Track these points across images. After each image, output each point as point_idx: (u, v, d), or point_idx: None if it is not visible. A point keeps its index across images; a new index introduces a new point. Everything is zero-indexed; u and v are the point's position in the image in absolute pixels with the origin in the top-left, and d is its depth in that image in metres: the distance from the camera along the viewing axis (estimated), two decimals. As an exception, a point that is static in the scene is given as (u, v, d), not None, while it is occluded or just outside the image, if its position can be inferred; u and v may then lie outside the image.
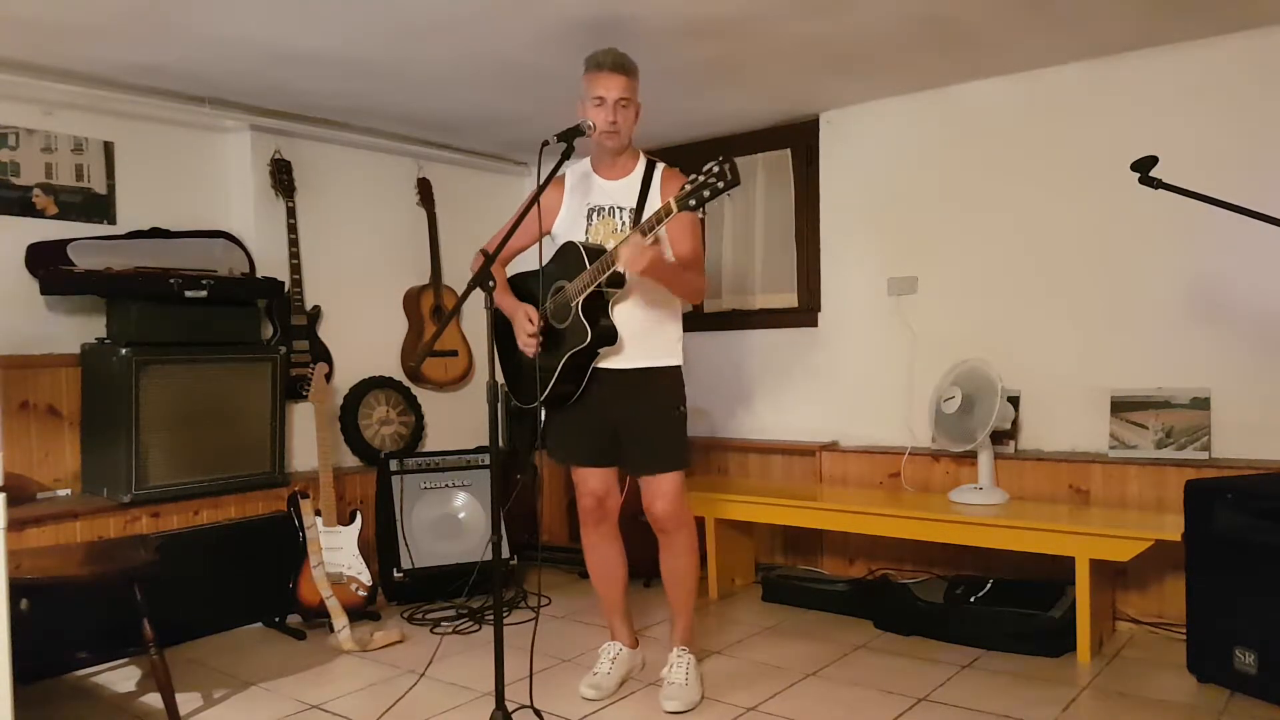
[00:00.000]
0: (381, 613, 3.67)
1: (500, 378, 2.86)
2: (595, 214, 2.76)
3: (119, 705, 2.88)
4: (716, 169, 2.26)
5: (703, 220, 2.75)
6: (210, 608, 3.48)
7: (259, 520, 3.64)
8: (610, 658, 2.92)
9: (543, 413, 2.78)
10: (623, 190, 2.75)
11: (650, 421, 2.75)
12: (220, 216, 3.98)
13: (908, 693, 2.81)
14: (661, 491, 2.76)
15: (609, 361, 2.72)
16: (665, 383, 2.77)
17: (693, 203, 2.30)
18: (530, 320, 2.68)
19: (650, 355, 2.74)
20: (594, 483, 2.85)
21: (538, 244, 2.77)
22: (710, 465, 4.42)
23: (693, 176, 2.32)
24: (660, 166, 2.76)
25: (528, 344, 2.69)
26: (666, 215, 2.37)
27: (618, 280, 2.63)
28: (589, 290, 2.59)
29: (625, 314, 2.70)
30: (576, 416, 2.80)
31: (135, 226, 3.69)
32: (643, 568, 3.45)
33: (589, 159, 2.82)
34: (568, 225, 2.81)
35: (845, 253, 4.20)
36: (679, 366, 2.81)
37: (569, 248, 2.69)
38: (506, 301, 2.79)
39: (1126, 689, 2.81)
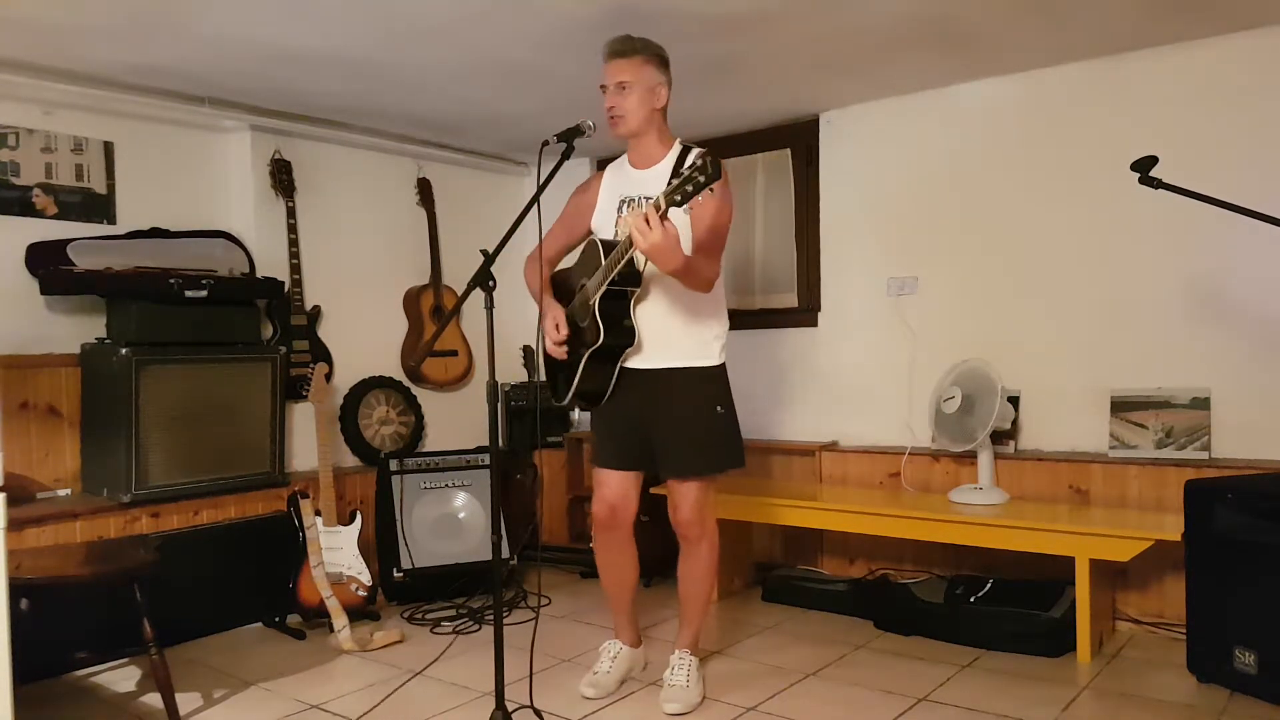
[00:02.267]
0: (381, 613, 3.67)
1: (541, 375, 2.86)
2: (625, 204, 2.73)
3: (119, 705, 2.88)
4: (699, 163, 2.21)
5: (732, 209, 2.69)
6: (210, 608, 3.48)
7: (259, 520, 3.64)
8: (611, 656, 2.92)
9: (574, 411, 2.76)
10: (653, 179, 2.68)
11: (680, 422, 2.69)
12: (220, 216, 3.98)
13: (908, 693, 2.81)
14: (686, 498, 2.72)
15: (637, 361, 2.68)
16: (698, 383, 2.70)
17: (678, 199, 2.24)
18: (556, 326, 2.67)
19: (679, 356, 2.68)
20: (609, 489, 2.79)
21: (537, 239, 2.75)
22: (710, 465, 4.42)
23: (677, 171, 2.28)
24: (695, 152, 2.67)
25: (554, 350, 2.69)
26: (657, 210, 2.30)
27: (633, 277, 2.58)
28: (604, 287, 2.55)
29: (650, 313, 2.65)
30: (610, 417, 2.77)
31: (135, 226, 3.69)
32: (644, 567, 3.44)
33: (628, 150, 2.78)
34: (602, 217, 2.79)
35: (845, 253, 4.19)
36: (716, 367, 2.74)
37: (590, 245, 2.68)
38: (545, 301, 2.77)
39: (1126, 689, 2.81)
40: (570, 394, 2.72)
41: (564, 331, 2.68)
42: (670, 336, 2.67)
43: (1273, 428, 3.21)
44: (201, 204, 3.93)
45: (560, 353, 2.69)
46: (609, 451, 2.80)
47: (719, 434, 2.73)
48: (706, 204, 2.42)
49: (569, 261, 2.87)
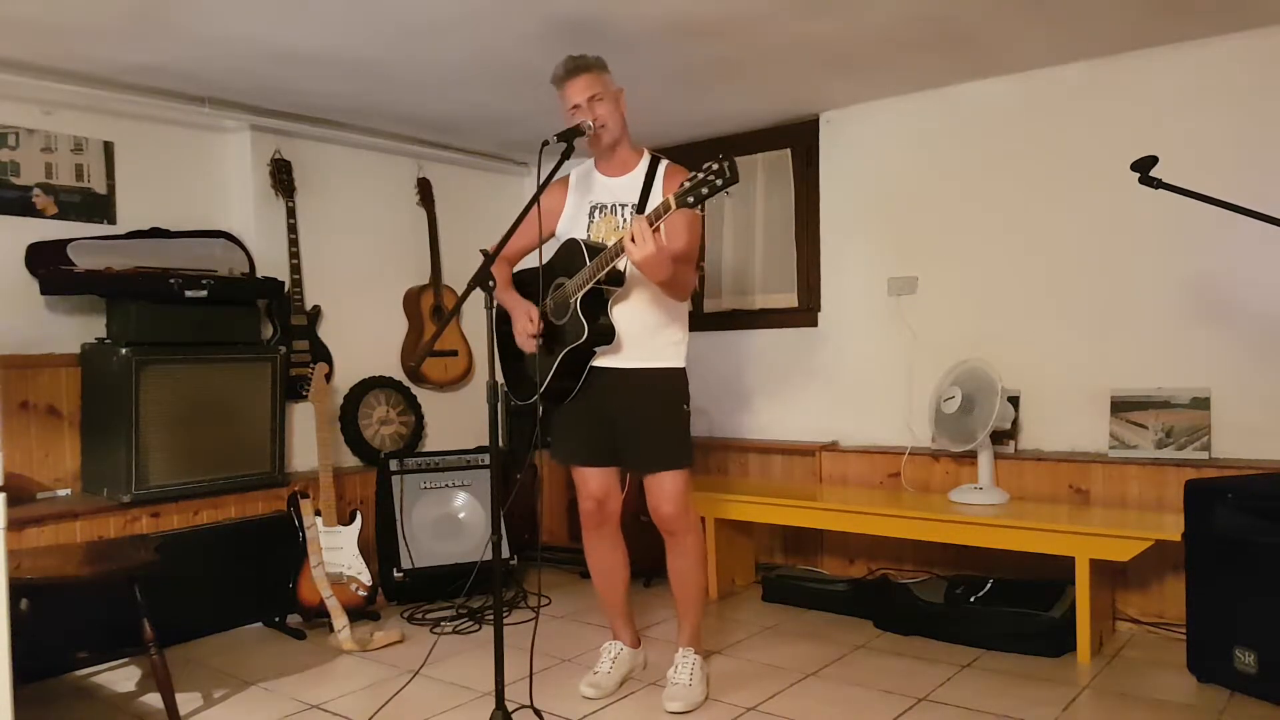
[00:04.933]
0: (381, 613, 3.67)
1: (499, 375, 2.87)
2: (598, 211, 2.76)
3: (119, 705, 2.88)
4: (715, 167, 2.24)
5: (703, 218, 2.74)
6: (210, 608, 3.48)
7: (259, 520, 3.64)
8: (611, 657, 2.92)
9: (540, 410, 2.77)
10: (625, 187, 2.74)
11: (652, 419, 2.73)
12: (220, 216, 3.98)
13: (908, 693, 2.81)
14: (666, 492, 2.74)
15: (609, 360, 2.71)
16: (667, 382, 2.76)
17: (691, 200, 2.27)
18: (531, 319, 2.68)
19: (651, 356, 2.73)
20: (593, 484, 2.84)
21: (540, 245, 2.77)
22: (710, 465, 4.42)
23: (692, 174, 2.30)
24: (664, 163, 2.75)
25: (526, 343, 2.70)
26: (665, 211, 2.35)
27: (616, 278, 2.62)
28: (588, 287, 2.58)
29: (626, 314, 2.69)
30: (577, 416, 2.80)
31: (135, 226, 3.69)
32: (643, 567, 3.45)
33: (593, 158, 2.82)
34: (570, 223, 2.81)
35: (845, 253, 4.20)
36: (681, 369, 2.80)
37: (570, 244, 2.69)
38: (508, 298, 2.80)
39: (1126, 689, 2.81)
40: (540, 391, 2.74)
41: (538, 325, 2.70)
42: (643, 338, 2.71)
43: (1273, 428, 3.21)
44: (201, 204, 3.93)
45: (532, 345, 2.70)
46: (585, 451, 2.83)
47: (686, 430, 2.81)
48: (679, 214, 2.43)
49: (526, 263, 2.89)
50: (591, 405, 2.76)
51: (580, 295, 2.60)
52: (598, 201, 2.77)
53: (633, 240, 2.36)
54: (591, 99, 2.64)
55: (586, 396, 2.75)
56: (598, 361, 2.71)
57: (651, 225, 2.38)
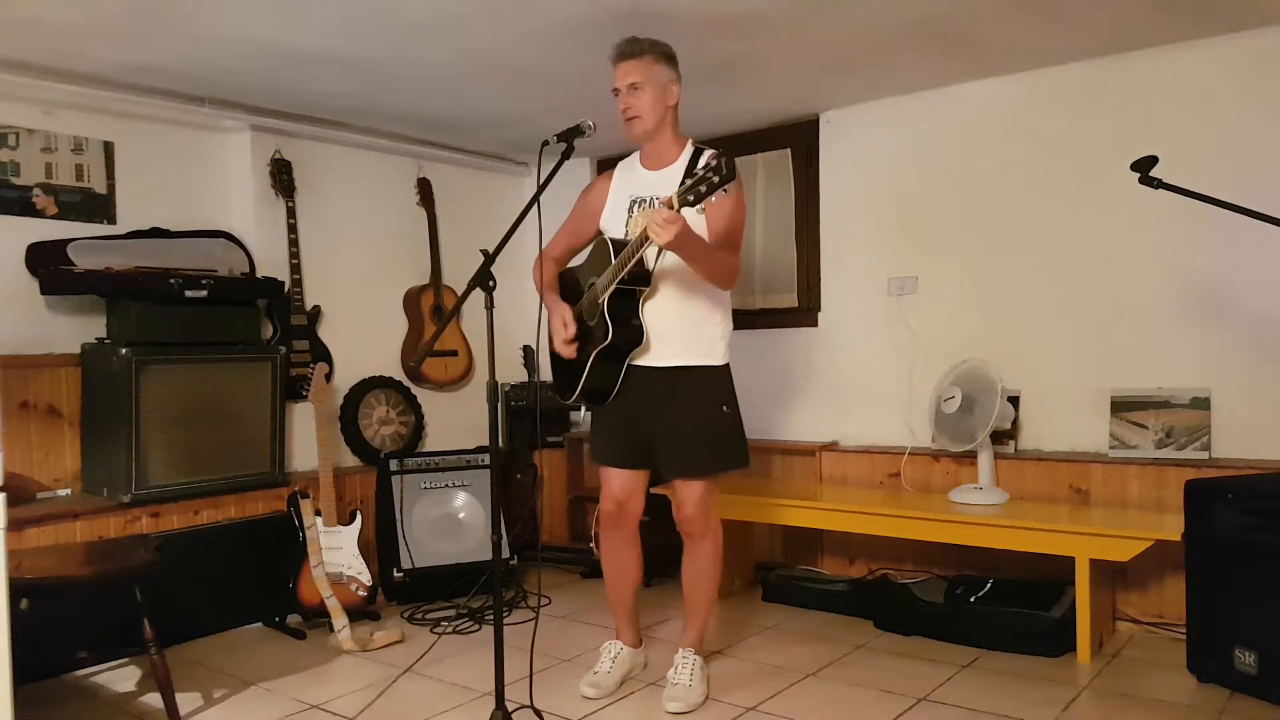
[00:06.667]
0: (381, 612, 3.67)
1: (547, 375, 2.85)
2: (637, 205, 2.73)
3: (119, 705, 2.88)
4: (713, 164, 2.22)
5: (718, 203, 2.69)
6: (210, 608, 3.48)
7: (259, 520, 3.64)
8: (611, 657, 2.92)
9: (581, 408, 2.76)
10: (664, 181, 2.68)
11: (684, 421, 2.68)
12: (220, 216, 3.98)
13: (908, 693, 2.81)
14: (690, 496, 2.72)
15: (644, 359, 2.68)
16: (704, 382, 2.70)
17: (691, 199, 2.25)
18: (565, 324, 2.66)
19: (686, 354, 2.68)
20: (616, 486, 2.81)
21: (538, 240, 2.75)
22: (710, 465, 4.42)
23: (691, 172, 2.30)
24: (707, 153, 2.67)
25: (561, 348, 2.68)
26: (669, 207, 2.31)
27: (643, 276, 2.59)
28: (613, 287, 2.55)
29: (660, 312, 2.65)
30: (611, 415, 2.78)
31: (135, 226, 3.69)
32: (646, 567, 3.44)
33: (639, 151, 2.79)
34: (611, 217, 2.78)
35: (845, 253, 4.20)
36: (723, 366, 2.75)
37: (599, 244, 2.68)
38: (549, 299, 2.78)
39: (1126, 689, 2.81)
40: (577, 393, 2.72)
41: (572, 329, 2.68)
42: (677, 335, 2.67)
43: (1273, 428, 3.21)
44: (201, 204, 3.93)
45: (569, 351, 2.68)
46: (613, 449, 2.80)
47: (723, 433, 2.74)
48: (721, 202, 2.41)
49: (578, 261, 2.87)
50: (627, 405, 2.72)
51: (608, 295, 2.57)
52: (637, 196, 2.73)
53: (657, 229, 2.28)
54: (632, 86, 2.61)
55: (625, 396, 2.71)
56: (636, 361, 2.68)
57: (672, 207, 2.30)
